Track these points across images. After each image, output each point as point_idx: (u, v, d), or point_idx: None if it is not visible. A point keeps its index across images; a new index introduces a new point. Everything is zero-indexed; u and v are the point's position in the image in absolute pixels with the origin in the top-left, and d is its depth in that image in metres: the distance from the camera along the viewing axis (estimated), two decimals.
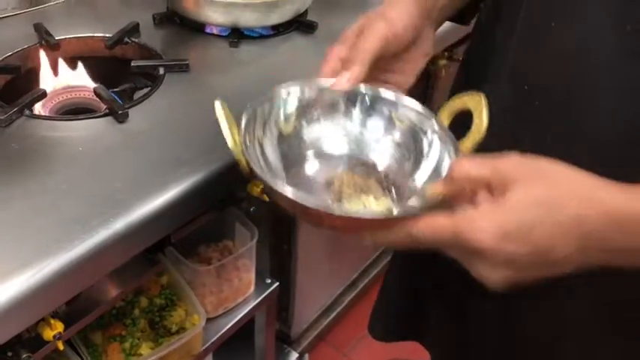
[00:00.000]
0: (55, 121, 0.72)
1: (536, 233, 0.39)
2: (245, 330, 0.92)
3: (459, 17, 0.68)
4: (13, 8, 0.94)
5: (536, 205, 0.39)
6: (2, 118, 0.68)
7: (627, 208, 0.39)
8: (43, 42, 0.84)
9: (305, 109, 0.55)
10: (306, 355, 1.25)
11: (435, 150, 0.51)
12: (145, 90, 0.80)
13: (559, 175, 0.41)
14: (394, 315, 0.82)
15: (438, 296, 0.70)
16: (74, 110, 0.79)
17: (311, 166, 0.54)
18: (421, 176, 0.51)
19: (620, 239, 0.40)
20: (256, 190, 0.76)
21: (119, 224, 0.58)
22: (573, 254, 0.39)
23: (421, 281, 0.73)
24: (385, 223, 0.43)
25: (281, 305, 1.08)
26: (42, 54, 0.81)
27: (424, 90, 1.15)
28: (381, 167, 0.54)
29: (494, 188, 0.40)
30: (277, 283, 0.92)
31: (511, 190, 0.39)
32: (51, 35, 0.84)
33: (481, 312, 0.63)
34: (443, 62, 1.10)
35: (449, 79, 1.12)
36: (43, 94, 0.74)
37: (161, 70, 0.80)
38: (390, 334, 0.84)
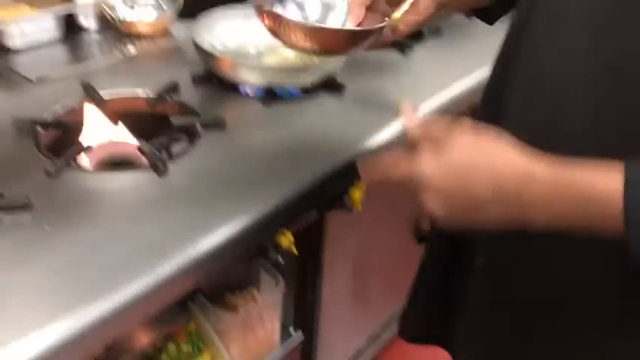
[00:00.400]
0: (99, 174, 0.77)
1: (462, 172, 0.50)
2: None
3: (486, 16, 0.77)
4: (64, 67, 1.01)
5: (468, 154, 0.51)
6: (51, 170, 0.73)
7: (542, 171, 0.48)
8: (90, 99, 0.90)
9: None
10: None
11: None
12: (182, 145, 0.85)
13: (498, 141, 0.51)
14: (422, 318, 0.84)
15: (463, 307, 0.73)
16: (117, 163, 0.84)
17: None
18: None
19: (531, 194, 0.48)
20: (284, 241, 0.79)
21: (158, 274, 0.62)
22: (491, 204, 0.50)
23: (447, 290, 0.76)
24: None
25: (304, 356, 1.10)
26: (89, 110, 0.87)
27: None
28: None
29: (442, 139, 0.52)
30: (302, 335, 0.94)
31: (450, 142, 0.51)
32: (97, 93, 0.91)
33: (504, 326, 0.65)
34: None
35: None
36: (89, 148, 0.80)
37: (199, 127, 0.85)
38: (418, 337, 0.85)
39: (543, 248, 0.58)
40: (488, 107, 0.69)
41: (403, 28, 0.67)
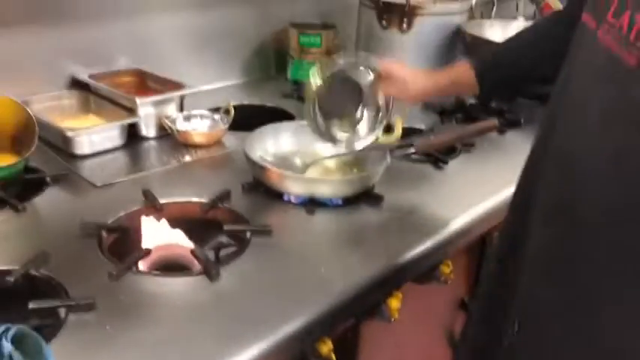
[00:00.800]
0: (156, 277, 0.83)
1: None
2: None
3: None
4: (125, 173, 1.10)
5: None
6: (114, 273, 0.80)
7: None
8: (149, 205, 0.98)
9: None
10: None
11: None
12: (233, 250, 0.91)
13: None
14: None
15: None
16: (171, 266, 0.90)
17: None
18: None
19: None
20: (324, 349, 0.83)
21: None
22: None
23: None
24: None
25: None
26: (148, 215, 0.94)
27: (479, 257, 1.22)
28: None
29: None
30: None
31: None
32: (156, 198, 0.99)
33: None
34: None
35: None
36: (148, 252, 0.86)
37: (248, 234, 0.92)
38: None
39: (587, 319, 0.63)
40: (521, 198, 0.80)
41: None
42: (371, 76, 1.07)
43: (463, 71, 1.05)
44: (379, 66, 1.06)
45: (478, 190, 1.12)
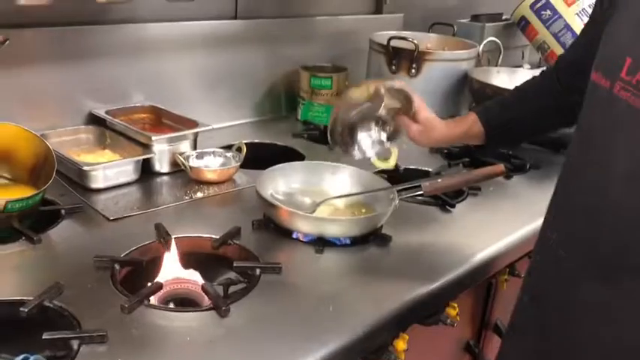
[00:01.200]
0: (167, 312, 0.85)
1: None
2: None
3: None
4: (138, 208, 1.13)
5: None
6: (127, 306, 0.81)
7: None
8: (162, 239, 1.00)
9: None
10: None
11: None
12: (242, 287, 0.93)
13: None
14: None
15: None
16: (181, 300, 0.92)
17: None
18: None
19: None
20: None
21: None
22: None
23: None
24: None
25: None
26: (160, 250, 0.96)
27: (485, 300, 1.23)
28: None
29: None
30: None
31: None
32: (168, 234, 1.01)
33: None
34: (505, 277, 1.19)
35: (510, 293, 1.20)
36: (160, 287, 0.88)
37: (258, 271, 0.93)
38: None
39: None
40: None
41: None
42: (395, 103, 1.10)
43: (473, 122, 1.09)
44: (411, 97, 1.09)
45: (484, 234, 1.13)
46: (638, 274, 0.71)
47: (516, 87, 1.13)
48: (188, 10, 1.42)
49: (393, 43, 1.64)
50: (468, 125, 1.10)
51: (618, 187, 0.72)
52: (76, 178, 1.19)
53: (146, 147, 1.26)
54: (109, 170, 1.19)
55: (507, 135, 1.09)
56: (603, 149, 0.75)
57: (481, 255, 1.06)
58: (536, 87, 1.09)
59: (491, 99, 1.16)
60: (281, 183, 1.17)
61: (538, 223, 1.19)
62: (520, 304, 0.91)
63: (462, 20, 2.12)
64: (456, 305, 1.03)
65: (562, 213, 0.84)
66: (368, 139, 1.12)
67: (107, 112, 1.34)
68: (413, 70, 1.63)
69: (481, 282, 1.11)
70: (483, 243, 1.10)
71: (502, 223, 1.18)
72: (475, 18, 2.16)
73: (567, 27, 1.83)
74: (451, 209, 1.21)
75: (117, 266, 0.92)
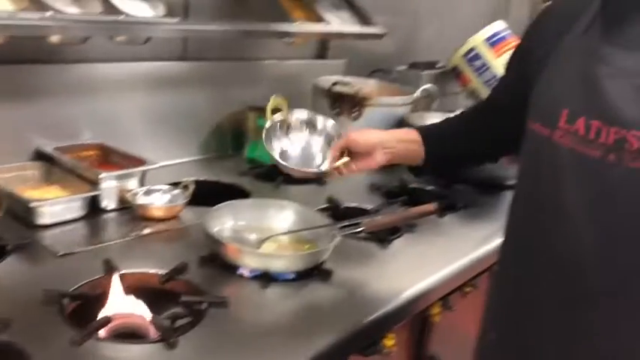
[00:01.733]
0: (116, 344, 0.87)
1: None
2: None
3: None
4: (85, 243, 1.15)
5: None
6: (76, 340, 0.84)
7: None
8: (110, 274, 1.02)
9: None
10: None
11: None
12: (189, 320, 0.96)
13: None
14: None
15: None
16: (130, 334, 0.94)
17: None
18: None
19: None
20: None
21: None
22: None
23: None
24: None
25: None
26: (108, 284, 0.99)
27: (421, 333, 1.30)
28: None
29: None
30: None
31: None
32: (115, 268, 1.03)
33: None
34: (438, 310, 1.27)
35: (445, 326, 1.28)
36: (109, 320, 0.90)
37: (204, 305, 0.97)
38: None
39: None
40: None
41: (348, 171, 1.09)
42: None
43: (413, 134, 1.14)
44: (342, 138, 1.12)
45: (419, 268, 1.21)
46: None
47: (456, 115, 1.21)
48: (139, 51, 1.47)
49: (336, 87, 1.73)
50: (408, 134, 1.14)
51: (571, 224, 0.82)
52: (23, 215, 1.20)
53: (94, 184, 1.28)
54: (57, 206, 1.21)
55: (443, 150, 1.13)
56: (550, 190, 0.85)
57: (415, 289, 1.14)
58: (465, 116, 1.19)
59: None
60: (227, 220, 1.22)
61: (468, 258, 1.29)
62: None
63: (401, 67, 2.25)
64: (393, 336, 1.10)
65: (515, 255, 0.93)
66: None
67: (55, 149, 1.36)
68: (354, 114, 1.72)
69: (416, 314, 1.18)
70: (417, 277, 1.17)
71: (435, 259, 1.26)
72: (413, 65, 2.29)
73: (496, 77, 1.98)
74: (388, 245, 1.28)
75: (66, 300, 0.94)
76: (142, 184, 1.36)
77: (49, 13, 1.11)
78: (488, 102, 1.15)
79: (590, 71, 0.81)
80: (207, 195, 1.38)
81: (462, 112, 1.22)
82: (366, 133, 1.12)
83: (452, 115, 1.22)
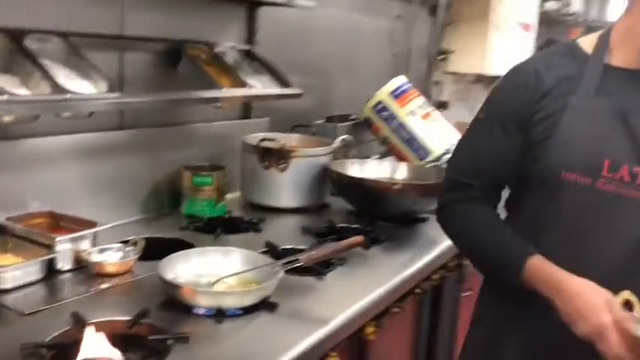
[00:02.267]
0: None
1: None
2: None
3: None
4: (48, 302, 1.25)
5: None
6: None
7: None
8: (79, 324, 1.13)
9: None
10: None
11: None
12: (156, 358, 1.09)
13: None
14: None
15: None
16: None
17: None
18: None
19: None
20: None
21: None
22: None
23: None
24: None
25: None
26: (80, 334, 1.10)
27: (360, 350, 1.46)
28: None
29: None
30: None
31: None
32: (85, 320, 1.14)
33: None
34: (372, 329, 1.45)
35: (380, 343, 1.45)
36: None
37: (170, 342, 1.10)
38: None
39: None
40: None
41: None
42: None
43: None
44: None
45: (353, 294, 1.39)
46: None
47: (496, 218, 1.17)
48: (81, 123, 1.60)
49: (264, 143, 1.92)
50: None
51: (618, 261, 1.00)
52: None
53: (49, 247, 1.38)
54: (17, 271, 1.30)
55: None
56: (590, 234, 1.01)
57: (350, 311, 1.32)
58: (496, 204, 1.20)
59: (348, 187, 1.40)
60: (179, 268, 1.36)
61: (392, 282, 1.49)
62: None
63: (319, 121, 2.48)
64: (335, 354, 1.26)
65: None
66: None
67: (8, 219, 1.45)
68: (281, 165, 1.91)
69: (354, 333, 1.35)
70: (351, 302, 1.35)
71: (365, 285, 1.45)
72: (329, 119, 2.53)
73: (402, 124, 2.25)
74: (323, 277, 1.46)
75: (43, 350, 1.04)
76: (94, 244, 1.47)
77: (4, 97, 1.24)
78: (492, 185, 1.17)
79: (621, 123, 0.98)
80: (153, 250, 1.51)
81: (495, 214, 1.17)
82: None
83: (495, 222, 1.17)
